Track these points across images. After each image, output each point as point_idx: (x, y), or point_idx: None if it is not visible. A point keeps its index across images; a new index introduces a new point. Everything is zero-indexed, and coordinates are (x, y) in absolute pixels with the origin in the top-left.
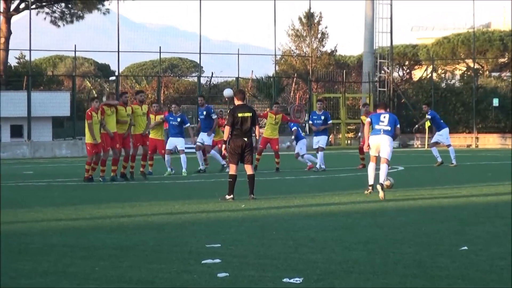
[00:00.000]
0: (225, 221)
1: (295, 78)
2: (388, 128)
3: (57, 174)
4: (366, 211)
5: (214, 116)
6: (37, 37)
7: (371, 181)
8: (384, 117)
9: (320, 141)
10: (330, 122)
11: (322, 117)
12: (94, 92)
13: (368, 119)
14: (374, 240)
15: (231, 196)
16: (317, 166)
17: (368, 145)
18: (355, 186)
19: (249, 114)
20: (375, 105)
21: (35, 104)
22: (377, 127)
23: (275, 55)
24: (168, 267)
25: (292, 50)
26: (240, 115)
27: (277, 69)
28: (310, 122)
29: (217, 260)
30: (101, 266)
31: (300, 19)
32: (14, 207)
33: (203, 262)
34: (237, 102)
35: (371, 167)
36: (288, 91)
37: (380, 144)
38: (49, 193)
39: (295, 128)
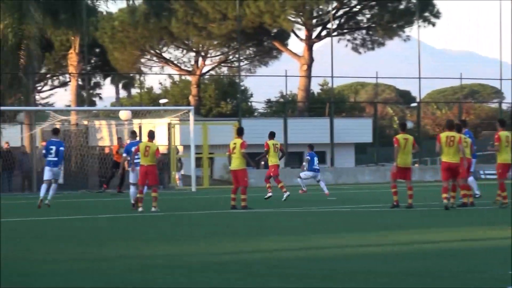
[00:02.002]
0: None
1: None
2: None
3: (360, 200)
4: None
5: None
6: (338, 64)
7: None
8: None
9: None
10: None
11: None
12: (395, 118)
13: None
14: None
15: None
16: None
17: None
18: None
19: None
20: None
21: (337, 131)
22: None
23: None
24: None
25: None
26: None
27: None
28: None
29: None
30: None
31: None
32: (321, 233)
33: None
34: None
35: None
36: None
37: None
38: (353, 219)
39: None
